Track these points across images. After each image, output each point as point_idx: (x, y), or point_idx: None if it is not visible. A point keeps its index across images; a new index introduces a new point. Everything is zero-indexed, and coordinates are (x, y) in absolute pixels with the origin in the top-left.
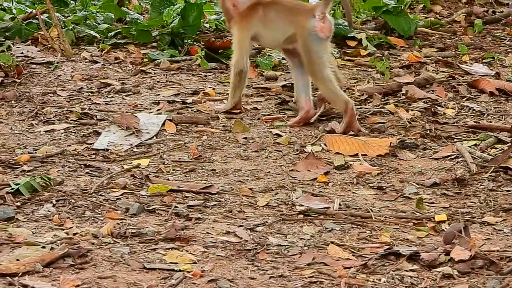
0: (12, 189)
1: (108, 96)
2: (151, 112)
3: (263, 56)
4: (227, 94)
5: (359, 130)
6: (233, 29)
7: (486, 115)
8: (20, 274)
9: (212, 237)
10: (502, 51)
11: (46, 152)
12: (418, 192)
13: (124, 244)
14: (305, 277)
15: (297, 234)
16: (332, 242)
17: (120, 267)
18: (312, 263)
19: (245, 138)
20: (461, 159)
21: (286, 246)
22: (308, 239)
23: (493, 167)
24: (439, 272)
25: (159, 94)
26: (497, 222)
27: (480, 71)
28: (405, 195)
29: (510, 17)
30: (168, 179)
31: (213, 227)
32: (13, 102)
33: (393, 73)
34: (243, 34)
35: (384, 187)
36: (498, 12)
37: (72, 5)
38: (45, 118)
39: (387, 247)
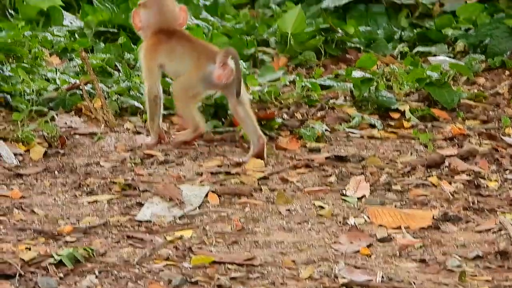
0: (55, 260)
1: (151, 167)
2: (194, 184)
3: (306, 127)
4: (272, 165)
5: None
6: (140, 53)
7: None
8: None
9: None
10: None
11: (89, 223)
12: (461, 265)
13: None
14: None
15: None
16: None
17: None
18: None
19: (288, 210)
20: (504, 232)
21: None
22: None
23: None
24: None
25: (202, 165)
26: None
27: None
28: (447, 268)
29: None
30: (211, 251)
31: None
32: (56, 173)
33: (436, 145)
34: (150, 63)
35: (427, 260)
36: None
37: (116, 75)
38: (88, 189)
39: None
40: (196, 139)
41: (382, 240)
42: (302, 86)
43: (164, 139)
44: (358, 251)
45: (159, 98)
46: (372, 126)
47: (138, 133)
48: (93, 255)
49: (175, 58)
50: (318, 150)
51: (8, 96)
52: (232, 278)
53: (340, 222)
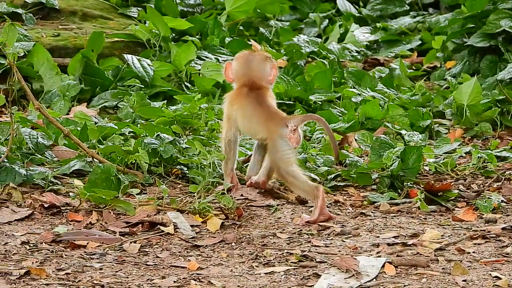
0: None
1: (328, 238)
2: (371, 255)
3: (483, 198)
4: (448, 235)
5: (330, 217)
6: (224, 101)
7: None
8: None
9: None
10: None
11: None
12: None
13: None
14: None
15: None
16: None
17: None
18: None
19: (465, 280)
20: None
21: None
22: None
23: None
24: None
25: (378, 237)
26: None
27: None
28: None
29: None
30: None
31: None
32: (233, 244)
33: None
34: (230, 112)
35: None
36: None
37: None
38: (265, 260)
39: None
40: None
41: None
42: (478, 157)
43: (237, 185)
44: None
45: (233, 142)
46: None
47: (304, 203)
48: None
49: (244, 116)
50: (494, 221)
51: (185, 168)
52: None
53: None
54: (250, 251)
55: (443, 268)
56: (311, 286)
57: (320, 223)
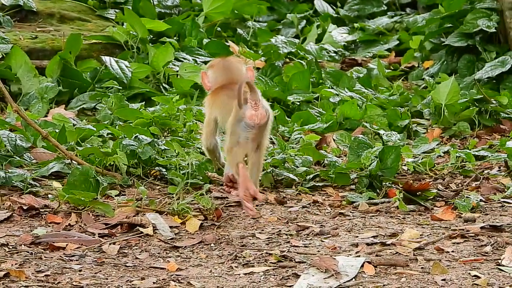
0: None
1: (307, 238)
2: (350, 255)
3: (461, 198)
4: (427, 235)
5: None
6: (204, 105)
7: None
8: None
9: None
10: None
11: None
12: None
13: None
14: None
15: None
16: None
17: None
18: None
19: (444, 280)
20: None
21: None
22: None
23: None
24: None
25: (357, 236)
26: None
27: None
28: None
29: None
30: None
31: None
32: (212, 245)
33: None
34: (209, 117)
35: None
36: None
37: (271, 148)
38: (244, 260)
39: None
40: (248, 199)
41: None
42: (456, 156)
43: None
44: None
45: (211, 150)
46: None
47: (283, 203)
48: None
49: (223, 108)
50: (473, 220)
51: (164, 170)
52: None
53: None
54: (229, 252)
55: (422, 268)
56: (290, 286)
57: (299, 224)
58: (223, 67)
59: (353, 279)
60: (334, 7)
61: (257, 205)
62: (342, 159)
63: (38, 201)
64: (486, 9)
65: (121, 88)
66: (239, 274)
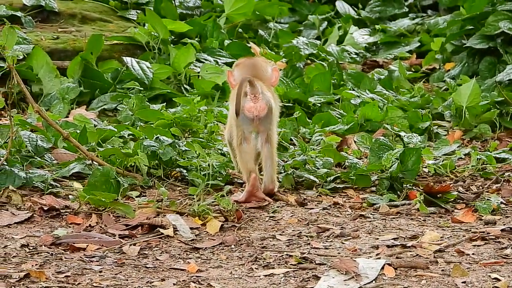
0: None
1: (327, 240)
2: (370, 257)
3: (482, 200)
4: (448, 237)
5: (262, 198)
6: (229, 101)
7: None
8: None
9: None
10: None
11: None
12: None
13: None
14: None
15: None
16: None
17: None
18: None
19: (464, 282)
20: None
21: None
22: None
23: None
24: None
25: (378, 239)
26: None
27: None
28: None
29: None
30: None
31: None
32: (232, 246)
33: None
34: (231, 111)
35: None
36: None
37: (292, 149)
38: (264, 262)
39: None
40: (254, 198)
41: None
42: (477, 159)
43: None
44: None
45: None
46: None
47: (303, 205)
48: None
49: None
50: (493, 223)
51: (184, 171)
52: None
53: None
54: (249, 253)
55: (442, 270)
56: None
57: (320, 225)
58: (248, 65)
59: (373, 281)
60: (356, 9)
61: (278, 207)
62: (363, 161)
63: (59, 202)
64: (507, 11)
65: (142, 89)
66: (259, 276)
